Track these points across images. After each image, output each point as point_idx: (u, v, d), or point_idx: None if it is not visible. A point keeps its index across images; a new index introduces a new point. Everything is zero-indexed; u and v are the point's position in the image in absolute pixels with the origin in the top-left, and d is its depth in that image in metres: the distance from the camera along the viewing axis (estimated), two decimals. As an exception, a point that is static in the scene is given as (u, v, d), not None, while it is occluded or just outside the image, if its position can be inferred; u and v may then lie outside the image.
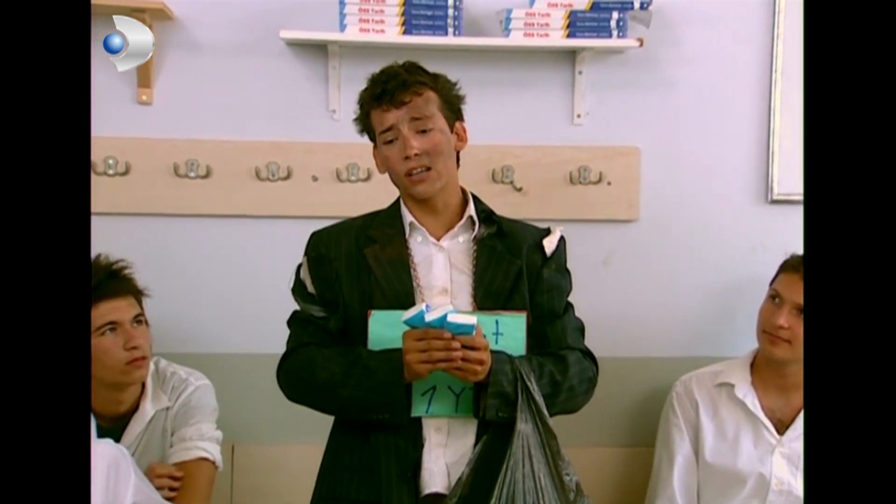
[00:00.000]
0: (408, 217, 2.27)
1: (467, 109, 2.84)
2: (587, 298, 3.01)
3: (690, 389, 2.82)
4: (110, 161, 2.92)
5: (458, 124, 2.29)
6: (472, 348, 2.05)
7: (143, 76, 2.91)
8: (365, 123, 2.27)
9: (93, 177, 2.91)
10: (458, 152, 2.31)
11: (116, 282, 2.49)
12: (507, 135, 3.04)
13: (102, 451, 2.16)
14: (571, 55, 3.03)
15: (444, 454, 2.17)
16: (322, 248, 2.28)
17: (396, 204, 2.31)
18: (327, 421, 2.31)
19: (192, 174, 2.95)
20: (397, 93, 2.18)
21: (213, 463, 2.57)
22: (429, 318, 2.01)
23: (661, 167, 3.08)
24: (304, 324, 2.28)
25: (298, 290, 2.30)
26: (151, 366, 2.54)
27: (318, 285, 2.27)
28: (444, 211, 2.28)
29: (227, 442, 2.68)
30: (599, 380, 2.96)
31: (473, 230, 2.27)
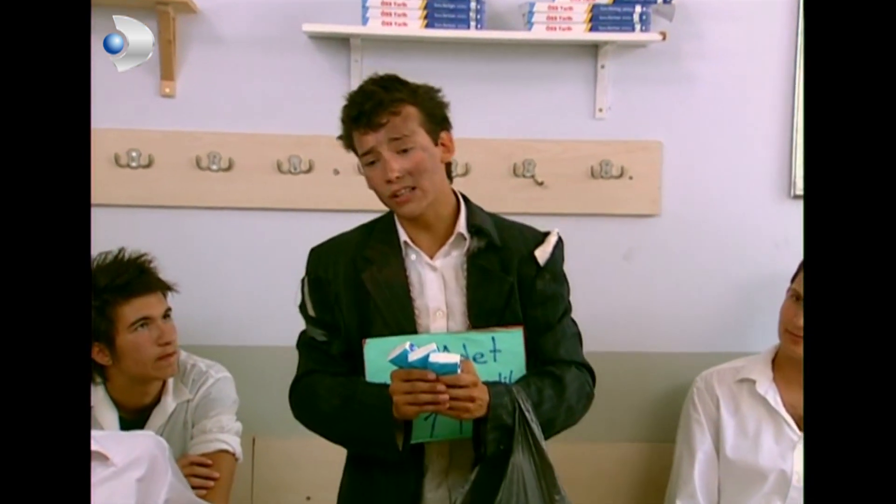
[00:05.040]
0: (402, 235, 2.22)
1: (489, 103, 2.85)
2: (608, 293, 3.05)
3: (711, 385, 2.81)
4: (133, 154, 2.93)
5: (443, 135, 2.20)
6: (459, 386, 2.01)
7: (167, 69, 2.92)
8: (348, 143, 2.21)
9: (115, 169, 2.92)
10: (448, 163, 2.25)
11: (147, 277, 2.52)
12: (529, 129, 3.04)
13: (142, 446, 2.15)
14: (594, 49, 3.02)
15: (447, 481, 2.18)
16: (320, 270, 2.25)
17: (391, 217, 2.26)
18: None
19: (215, 167, 2.96)
20: (374, 115, 2.11)
21: (234, 455, 2.58)
22: (411, 358, 1.98)
23: (683, 162, 3.07)
24: (309, 349, 2.26)
25: (303, 310, 2.29)
26: (174, 360, 2.56)
27: (317, 309, 2.24)
28: (437, 223, 2.22)
29: (247, 434, 2.70)
30: (620, 375, 3.00)
31: (465, 244, 2.22)
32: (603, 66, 3.02)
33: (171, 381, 2.57)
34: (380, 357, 2.07)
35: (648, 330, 3.07)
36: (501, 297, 2.19)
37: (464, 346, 2.15)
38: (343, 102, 2.18)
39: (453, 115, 2.71)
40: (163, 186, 2.96)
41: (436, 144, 2.18)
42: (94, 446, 1.99)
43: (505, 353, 2.16)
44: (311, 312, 2.25)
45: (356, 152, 2.19)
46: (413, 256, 2.22)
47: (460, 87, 2.98)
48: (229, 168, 2.97)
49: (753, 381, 2.76)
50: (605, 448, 2.90)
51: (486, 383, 2.07)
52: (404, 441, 2.09)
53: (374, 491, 2.18)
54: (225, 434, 2.57)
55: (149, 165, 2.95)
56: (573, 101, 3.05)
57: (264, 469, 2.95)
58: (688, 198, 3.07)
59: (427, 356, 1.97)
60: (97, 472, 2.01)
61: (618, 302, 3.07)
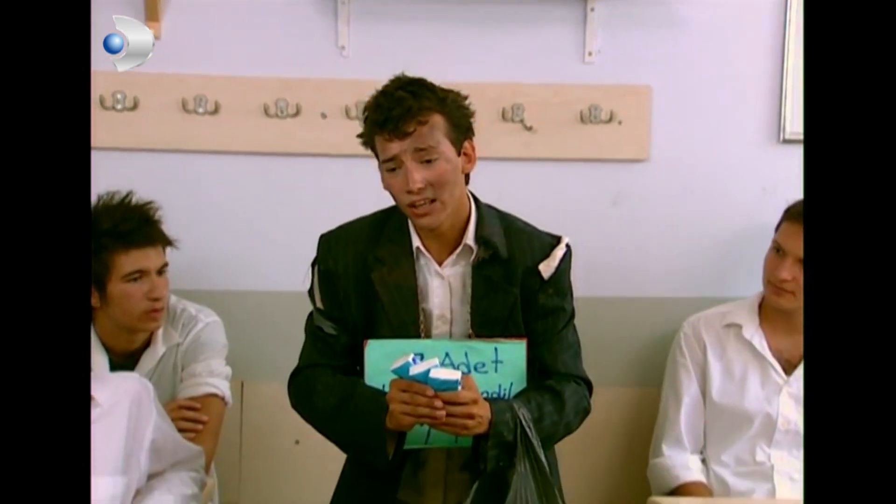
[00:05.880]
0: (415, 241, 2.21)
1: (477, 46, 2.82)
2: (596, 239, 3.04)
3: (698, 330, 2.82)
4: (118, 96, 2.90)
5: (466, 144, 2.17)
6: (459, 403, 2.01)
7: (151, 10, 2.87)
8: (369, 143, 2.17)
9: (101, 112, 2.89)
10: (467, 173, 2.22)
11: (150, 229, 2.50)
12: (518, 73, 3.01)
13: (127, 387, 2.16)
14: (583, -9, 2.99)
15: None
16: (330, 261, 2.23)
17: (404, 219, 2.23)
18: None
19: (201, 110, 2.93)
20: (401, 122, 2.06)
21: (223, 399, 2.59)
22: (413, 371, 1.97)
23: (673, 106, 3.05)
24: (315, 339, 2.25)
25: (311, 297, 2.27)
26: (161, 303, 2.56)
27: (326, 302, 2.23)
28: (449, 232, 2.20)
29: (236, 379, 2.71)
30: (607, 320, 3.02)
31: (472, 254, 2.21)
32: (593, 9, 2.99)
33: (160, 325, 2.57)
34: (380, 359, 2.07)
35: (636, 275, 3.07)
36: (505, 308, 2.19)
37: (466, 355, 2.15)
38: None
39: (441, 57, 2.71)
40: (148, 129, 2.93)
41: (458, 154, 2.15)
42: (80, 388, 2.00)
43: (507, 364, 2.16)
44: (320, 304, 2.23)
45: (376, 154, 2.16)
46: (422, 261, 2.21)
47: (448, 30, 2.98)
48: (216, 111, 2.94)
49: (740, 326, 2.77)
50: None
51: (488, 399, 2.08)
52: (396, 449, 2.09)
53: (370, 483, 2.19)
54: (214, 378, 2.58)
55: (134, 108, 2.92)
56: (562, 45, 3.02)
57: (253, 413, 2.96)
58: (677, 143, 3.06)
59: (427, 371, 1.97)
60: (85, 414, 2.02)
61: (605, 247, 3.06)
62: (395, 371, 1.99)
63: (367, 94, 2.88)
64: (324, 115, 2.96)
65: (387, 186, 2.15)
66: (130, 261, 2.44)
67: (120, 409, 2.11)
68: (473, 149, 2.19)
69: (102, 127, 2.88)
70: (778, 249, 2.68)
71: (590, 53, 3.02)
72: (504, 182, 3.00)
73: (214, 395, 2.57)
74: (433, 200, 2.11)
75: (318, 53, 2.97)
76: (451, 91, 2.16)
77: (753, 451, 2.72)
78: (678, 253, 3.08)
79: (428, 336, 2.18)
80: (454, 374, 2.00)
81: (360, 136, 2.17)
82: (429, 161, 2.09)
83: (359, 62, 2.96)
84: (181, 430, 2.40)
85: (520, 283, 2.20)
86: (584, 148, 3.02)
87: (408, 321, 2.17)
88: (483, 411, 2.04)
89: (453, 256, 2.21)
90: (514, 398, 2.15)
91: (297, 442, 2.98)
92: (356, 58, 2.96)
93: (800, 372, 2.70)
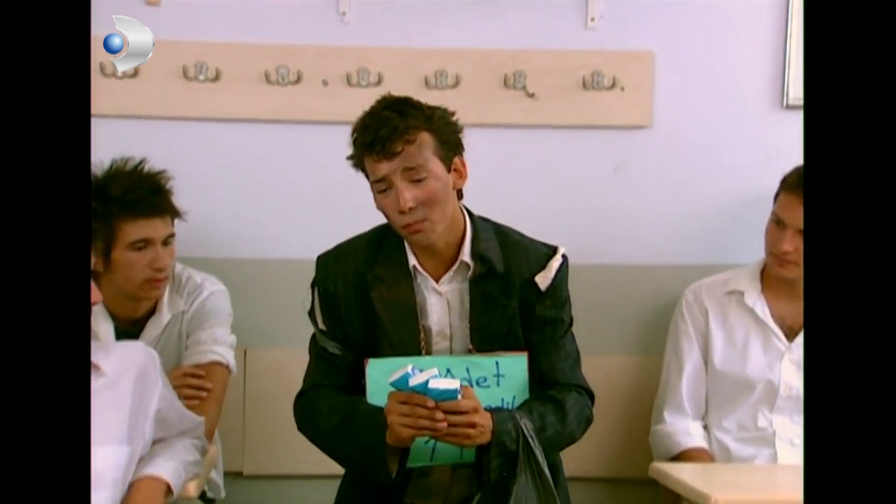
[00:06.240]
0: (411, 259, 2.21)
1: (479, 13, 2.81)
2: (598, 206, 3.04)
3: (700, 298, 2.82)
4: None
5: (456, 160, 2.18)
6: (459, 412, 2.01)
7: (151, -24, 2.86)
8: (359, 164, 2.18)
9: (101, 79, 2.87)
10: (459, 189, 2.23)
11: (159, 199, 2.49)
12: (520, 39, 2.99)
13: (133, 357, 2.16)
14: (586, -45, 2.97)
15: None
16: (329, 283, 2.24)
17: (400, 238, 2.23)
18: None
19: (202, 77, 2.92)
20: (388, 142, 2.08)
21: (227, 367, 2.60)
22: (412, 382, 1.97)
23: (676, 72, 3.04)
24: (319, 360, 2.26)
25: (312, 319, 2.27)
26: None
27: (328, 323, 2.24)
28: (445, 249, 2.21)
29: (239, 347, 2.71)
30: (610, 287, 3.01)
31: (469, 270, 2.22)
32: (595, -26, 2.98)
33: (165, 293, 2.57)
34: (382, 377, 2.07)
35: (638, 242, 3.07)
36: (504, 323, 2.20)
37: (467, 370, 2.17)
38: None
39: (443, 23, 2.69)
40: (149, 97, 2.92)
41: (449, 170, 2.15)
42: (85, 358, 2.00)
43: (508, 378, 2.18)
44: (322, 326, 2.24)
45: (366, 176, 2.16)
46: (420, 279, 2.22)
47: (451, -5, 2.96)
48: (217, 78, 2.93)
49: (742, 293, 2.77)
50: (594, 360, 2.88)
51: (490, 409, 2.08)
52: (400, 466, 2.09)
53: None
54: (219, 346, 2.58)
55: (135, 75, 2.90)
56: (564, 11, 3.00)
57: (256, 381, 2.96)
58: (679, 109, 3.04)
59: (426, 382, 1.97)
60: (89, 384, 2.02)
61: (608, 214, 3.06)
62: (393, 384, 2.00)
63: (368, 61, 2.91)
64: (325, 83, 2.95)
65: (379, 207, 2.17)
66: (136, 230, 2.44)
67: (126, 379, 2.11)
68: (464, 164, 2.20)
69: (103, 94, 2.86)
70: (778, 221, 2.68)
71: (592, 19, 3.00)
72: (506, 149, 3.00)
73: (219, 363, 2.58)
74: (425, 219, 2.12)
75: (320, 20, 2.95)
76: (437, 108, 2.18)
77: (755, 417, 2.73)
78: (680, 219, 3.07)
79: (429, 353, 2.20)
80: (453, 383, 2.01)
81: (349, 157, 2.19)
82: (419, 180, 2.10)
83: (360, 29, 2.95)
84: (185, 398, 2.41)
85: (517, 296, 2.22)
86: (587, 114, 3.01)
87: (408, 339, 2.19)
88: (485, 420, 2.05)
89: (450, 273, 2.22)
90: (516, 409, 2.16)
91: (299, 409, 2.99)
92: (357, 24, 2.95)
93: (801, 338, 2.70)
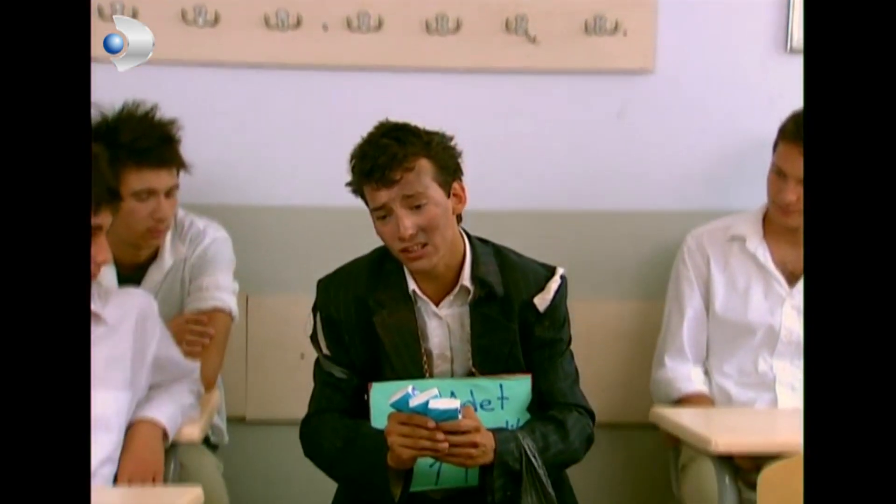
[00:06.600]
0: (411, 284, 2.22)
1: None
2: (600, 151, 3.03)
3: (702, 243, 2.82)
4: (117, 6, 2.85)
5: (455, 185, 2.18)
6: (461, 432, 2.02)
7: (145, -83, 2.83)
8: (358, 192, 2.18)
9: (99, 22, 2.84)
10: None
11: (167, 149, 2.48)
12: (521, -19, 2.96)
13: (133, 303, 2.18)
14: None
15: None
16: (332, 308, 2.24)
17: (400, 263, 2.23)
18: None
19: (201, 20, 2.89)
20: (388, 170, 2.08)
21: (230, 313, 2.60)
22: (413, 403, 1.97)
23: (678, 16, 3.01)
24: (324, 385, 2.27)
25: (315, 343, 2.28)
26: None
27: (332, 349, 2.24)
28: (445, 273, 2.21)
29: (241, 293, 2.71)
30: (611, 233, 3.01)
31: (469, 294, 2.22)
32: (597, -85, 2.94)
33: (168, 238, 2.57)
34: (385, 401, 2.07)
35: (640, 188, 3.06)
36: (506, 345, 2.21)
37: (471, 392, 2.18)
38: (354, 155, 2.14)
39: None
40: (147, 41, 2.90)
41: (448, 195, 2.15)
42: (85, 306, 2.01)
43: (512, 400, 2.19)
44: (326, 351, 2.25)
45: (366, 202, 2.17)
46: (420, 304, 2.23)
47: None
48: (216, 22, 2.90)
49: (744, 239, 2.77)
50: (595, 305, 2.92)
51: (492, 429, 2.09)
52: (403, 490, 2.10)
53: None
54: (221, 292, 2.58)
55: (133, 18, 2.88)
56: (566, -46, 2.97)
57: (258, 327, 2.97)
58: (682, 53, 3.02)
59: (427, 402, 1.97)
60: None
61: (609, 160, 3.05)
62: (393, 405, 2.01)
63: (368, 5, 2.88)
64: (325, 27, 2.92)
65: (379, 234, 2.17)
66: (141, 180, 2.42)
67: (126, 326, 2.13)
68: (463, 189, 2.21)
69: (101, 38, 2.84)
70: (779, 172, 2.67)
71: (594, -38, 2.97)
72: (507, 94, 2.98)
73: (221, 310, 2.58)
74: (425, 245, 2.13)
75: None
76: (435, 133, 2.18)
77: (756, 361, 2.74)
78: (682, 165, 3.06)
79: (431, 375, 2.21)
80: (454, 403, 2.02)
81: (348, 184, 2.19)
82: (418, 206, 2.11)
83: (360, -28, 2.92)
84: (188, 344, 2.43)
85: (517, 318, 2.23)
86: (589, 59, 2.98)
87: (410, 363, 2.20)
88: (486, 440, 2.07)
89: (450, 297, 2.23)
90: (518, 429, 2.17)
91: (301, 356, 2.98)
92: (357, -33, 2.92)
93: (803, 284, 2.70)
